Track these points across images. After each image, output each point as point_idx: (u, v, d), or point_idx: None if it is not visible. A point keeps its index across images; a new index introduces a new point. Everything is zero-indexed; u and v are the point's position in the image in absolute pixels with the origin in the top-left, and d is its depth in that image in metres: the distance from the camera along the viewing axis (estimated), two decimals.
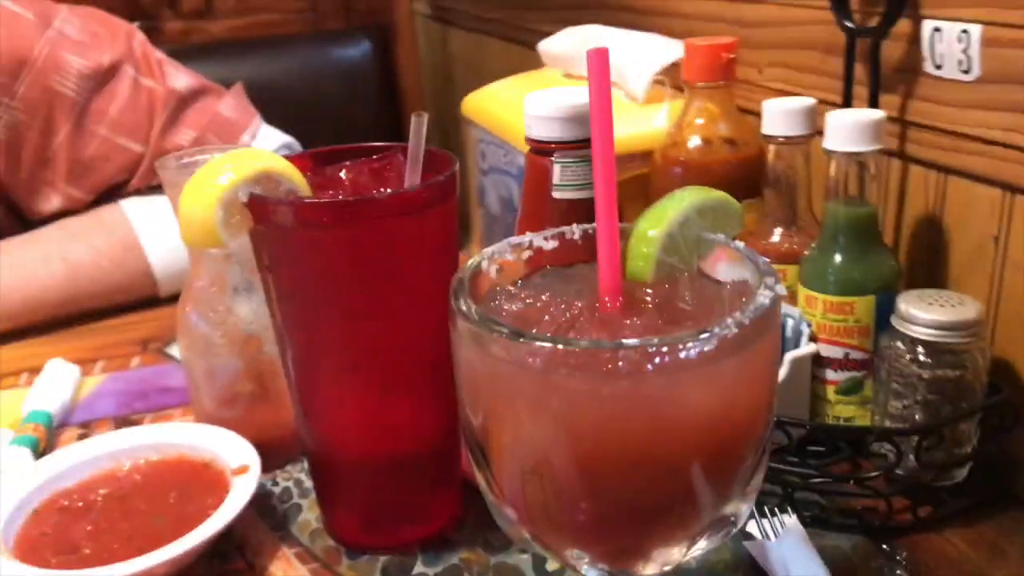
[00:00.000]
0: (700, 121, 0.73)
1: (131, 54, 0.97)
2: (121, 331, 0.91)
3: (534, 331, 0.39)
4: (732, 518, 0.39)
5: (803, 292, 0.63)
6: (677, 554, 0.39)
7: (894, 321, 0.58)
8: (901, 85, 0.65)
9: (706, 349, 0.35)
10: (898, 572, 0.54)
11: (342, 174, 0.56)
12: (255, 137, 1.01)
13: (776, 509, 0.57)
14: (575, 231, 0.45)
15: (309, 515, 0.62)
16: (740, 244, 0.42)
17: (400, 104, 1.91)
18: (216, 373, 0.66)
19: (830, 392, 0.63)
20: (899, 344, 0.58)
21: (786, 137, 0.65)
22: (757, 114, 0.66)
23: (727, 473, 0.38)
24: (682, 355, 0.35)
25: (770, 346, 0.38)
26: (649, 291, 0.42)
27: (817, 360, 0.63)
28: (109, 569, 0.52)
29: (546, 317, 0.40)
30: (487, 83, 0.97)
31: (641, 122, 0.81)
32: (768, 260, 0.40)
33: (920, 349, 0.56)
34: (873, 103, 0.65)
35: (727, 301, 0.40)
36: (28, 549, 0.56)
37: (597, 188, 0.41)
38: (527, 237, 0.45)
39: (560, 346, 0.35)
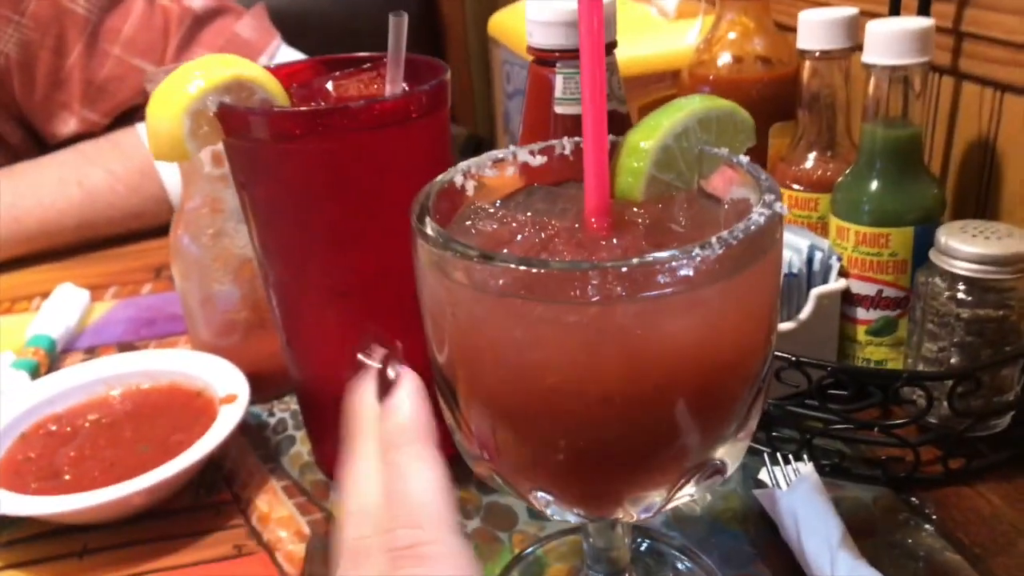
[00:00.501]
0: (732, 36, 0.67)
1: None
2: (135, 257, 0.90)
3: (504, 252, 0.35)
4: (720, 464, 0.35)
5: (834, 223, 0.57)
6: (658, 500, 0.35)
7: (932, 255, 0.52)
8: None
9: (686, 272, 0.30)
10: (924, 526, 0.49)
11: (329, 85, 0.52)
12: (273, 58, 0.97)
13: (792, 457, 0.52)
14: (566, 145, 0.41)
15: (302, 448, 0.60)
16: (744, 159, 0.37)
17: (441, 32, 1.85)
18: (210, 300, 0.64)
19: (860, 333, 0.58)
20: (937, 280, 0.52)
21: (823, 51, 0.59)
22: None
23: (713, 414, 0.34)
24: (659, 279, 0.30)
25: (766, 271, 0.33)
26: (639, 211, 0.37)
27: (847, 297, 0.58)
28: (83, 496, 0.50)
29: (519, 238, 0.36)
30: None
31: (670, 39, 0.75)
32: (770, 177, 0.35)
33: (960, 286, 0.51)
34: (923, 11, 0.59)
35: (724, 223, 0.35)
36: (12, 473, 0.55)
37: (584, 94, 0.37)
38: (510, 151, 0.41)
39: (521, 267, 0.31)
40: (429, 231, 0.34)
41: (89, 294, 0.80)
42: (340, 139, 0.46)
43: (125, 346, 0.74)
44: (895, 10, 0.61)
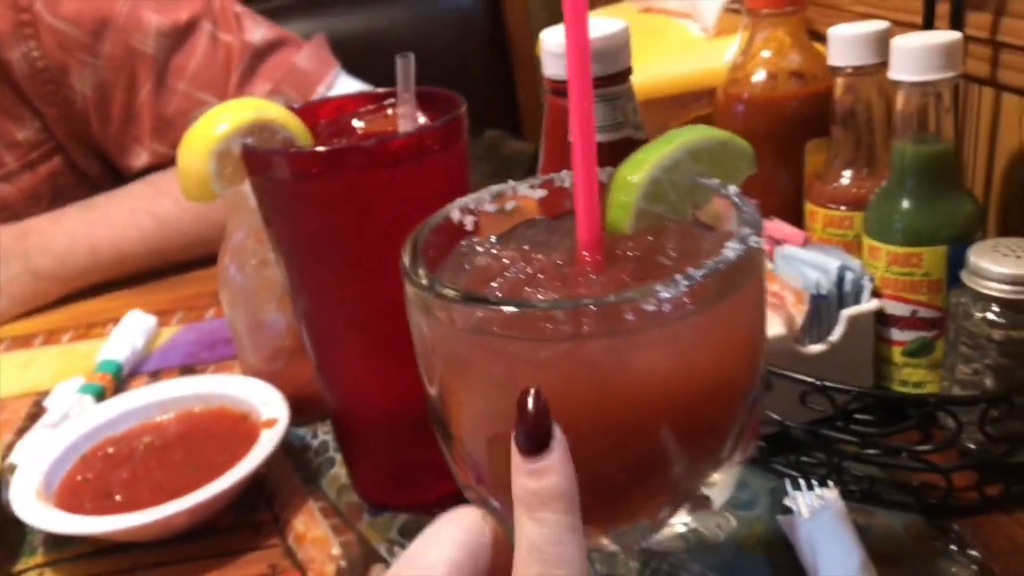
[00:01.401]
0: (766, 53, 0.66)
1: (209, 9, 0.98)
2: (202, 283, 0.94)
3: (492, 286, 0.36)
4: (703, 497, 0.35)
5: (867, 242, 0.56)
6: (640, 531, 0.35)
7: (963, 275, 0.51)
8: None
9: (653, 309, 0.31)
10: (958, 556, 0.48)
11: (354, 121, 0.54)
12: (331, 88, 1.00)
13: (819, 482, 0.51)
14: (564, 178, 0.42)
15: (340, 470, 0.62)
16: (732, 189, 0.37)
17: (509, 50, 1.87)
18: (256, 327, 0.66)
19: (896, 354, 0.56)
20: (969, 301, 0.50)
21: (855, 67, 0.58)
22: None
23: (694, 446, 0.34)
24: (627, 317, 0.31)
25: (743, 303, 0.33)
26: (630, 244, 0.37)
27: (882, 318, 0.56)
28: (128, 517, 0.53)
29: (506, 274, 0.37)
30: None
31: (708, 56, 0.75)
32: (756, 208, 0.35)
33: (992, 307, 0.49)
34: (955, 23, 0.57)
35: (708, 255, 0.35)
36: (70, 493, 0.58)
37: (573, 127, 0.37)
38: (509, 185, 0.42)
39: (491, 307, 0.32)
40: (410, 270, 0.35)
41: (156, 320, 0.85)
42: (356, 177, 0.47)
43: (186, 369, 0.78)
44: (928, 23, 0.59)
